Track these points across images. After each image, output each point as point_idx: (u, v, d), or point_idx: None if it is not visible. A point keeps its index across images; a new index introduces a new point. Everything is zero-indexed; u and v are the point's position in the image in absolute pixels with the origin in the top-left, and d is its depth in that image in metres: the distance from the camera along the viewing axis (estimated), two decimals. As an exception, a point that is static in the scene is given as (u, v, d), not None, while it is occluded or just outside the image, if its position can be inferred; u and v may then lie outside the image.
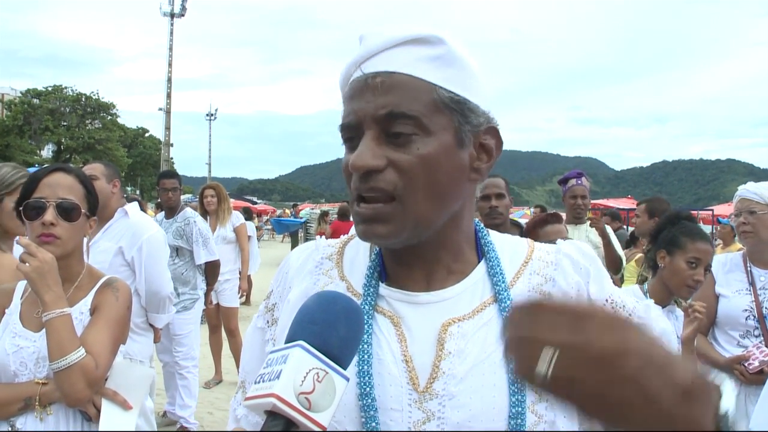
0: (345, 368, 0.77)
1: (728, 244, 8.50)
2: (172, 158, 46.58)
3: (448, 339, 0.95)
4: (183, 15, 44.70)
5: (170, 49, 43.65)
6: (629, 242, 6.40)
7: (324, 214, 16.60)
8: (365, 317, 0.97)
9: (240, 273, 6.77)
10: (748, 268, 3.15)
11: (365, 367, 0.93)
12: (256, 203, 39.12)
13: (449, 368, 0.93)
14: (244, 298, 9.96)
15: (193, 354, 5.25)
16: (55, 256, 1.93)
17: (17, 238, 1.95)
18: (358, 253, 1.10)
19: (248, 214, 12.67)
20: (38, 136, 46.35)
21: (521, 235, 1.40)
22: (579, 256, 1.06)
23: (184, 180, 5.73)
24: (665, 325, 1.02)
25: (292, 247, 20.56)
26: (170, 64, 43.58)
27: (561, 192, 5.08)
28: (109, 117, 52.22)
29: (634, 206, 9.06)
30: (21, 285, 2.13)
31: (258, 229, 16.67)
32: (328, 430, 0.73)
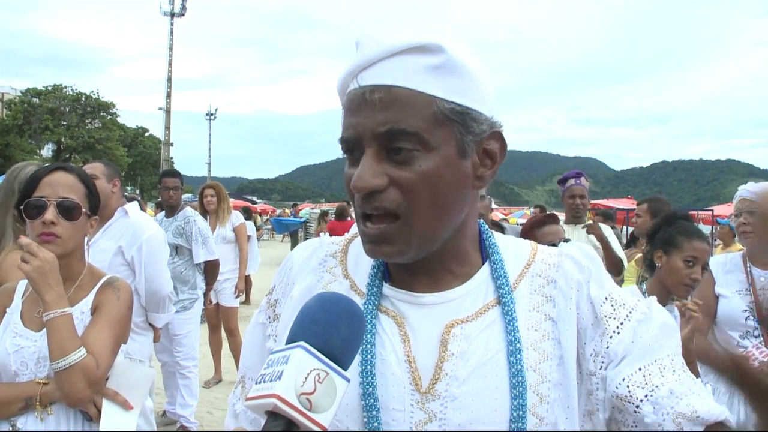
0: (346, 369, 0.77)
1: (728, 245, 8.50)
2: (172, 158, 46.53)
3: (451, 340, 0.95)
4: (183, 15, 44.67)
5: (170, 48, 43.62)
6: (629, 242, 6.40)
7: (324, 214, 16.59)
8: (369, 317, 0.98)
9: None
10: (748, 269, 3.15)
11: (368, 366, 0.93)
12: (255, 203, 39.09)
13: (452, 370, 0.93)
14: (244, 297, 9.96)
15: (193, 354, 5.26)
16: (55, 255, 1.93)
17: (20, 237, 1.94)
18: (363, 251, 1.09)
19: (248, 213, 12.66)
20: (38, 135, 46.32)
21: None
22: (581, 256, 1.06)
23: (184, 179, 5.74)
24: (666, 318, 1.02)
25: (292, 246, 20.56)
26: (170, 64, 43.55)
27: (560, 192, 5.09)
28: (109, 116, 52.19)
29: (634, 206, 9.05)
30: (22, 284, 2.13)
31: (258, 228, 16.67)
32: (329, 430, 0.73)
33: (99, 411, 2.02)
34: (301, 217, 24.68)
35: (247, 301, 11.13)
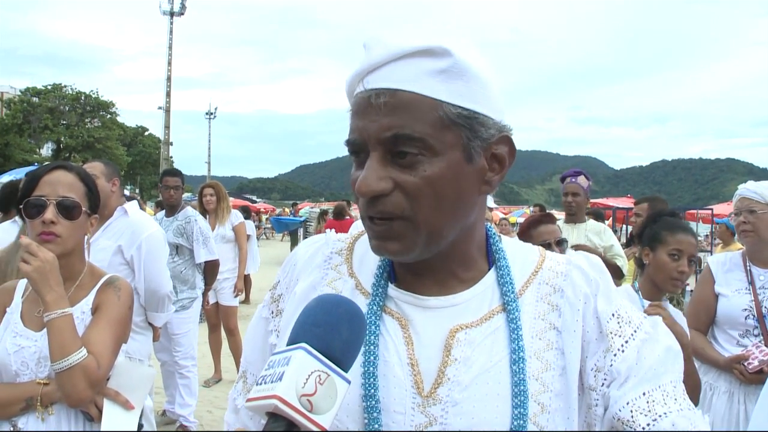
0: (347, 371, 0.77)
1: (728, 244, 8.50)
2: (171, 157, 46.53)
3: (455, 345, 0.95)
4: (183, 14, 44.61)
5: (170, 48, 43.57)
6: (629, 241, 6.41)
7: (323, 213, 16.59)
8: (373, 317, 0.97)
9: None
10: (748, 268, 3.15)
11: (370, 368, 0.93)
12: (255, 202, 39.10)
13: (454, 375, 0.93)
14: (243, 296, 9.96)
15: (192, 353, 5.26)
16: (55, 254, 1.93)
17: (20, 237, 1.94)
18: (369, 250, 1.08)
19: (246, 212, 12.66)
20: (38, 134, 46.26)
21: None
22: (589, 268, 1.05)
23: (184, 179, 5.74)
24: (671, 342, 1.01)
25: (292, 246, 20.55)
26: (170, 63, 43.51)
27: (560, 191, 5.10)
28: (109, 116, 52.11)
29: (634, 205, 9.06)
30: (22, 283, 2.13)
31: (258, 228, 16.65)
32: (329, 430, 0.73)
33: (100, 411, 2.02)
34: (300, 216, 24.68)
35: (246, 301, 11.14)
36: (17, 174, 11.23)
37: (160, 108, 44.07)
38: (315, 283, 1.07)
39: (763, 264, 3.13)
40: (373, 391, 0.92)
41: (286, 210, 37.73)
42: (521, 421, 0.90)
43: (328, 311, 0.81)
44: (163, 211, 5.75)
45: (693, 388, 2.44)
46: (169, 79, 43.73)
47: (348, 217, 11.74)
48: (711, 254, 9.20)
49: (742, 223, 3.14)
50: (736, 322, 3.07)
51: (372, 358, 0.94)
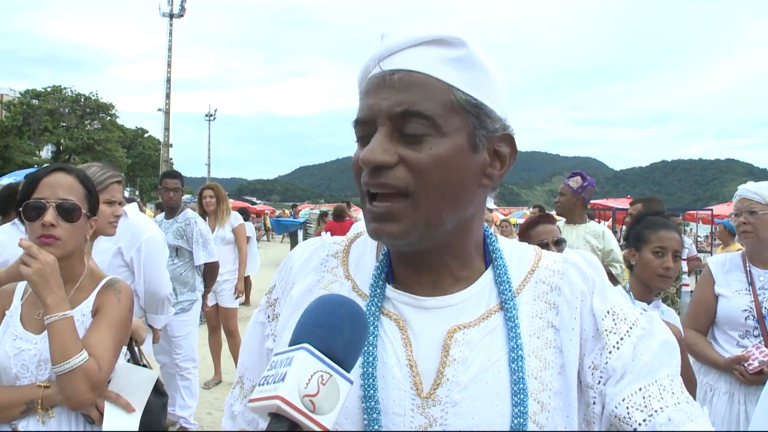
0: (349, 371, 0.77)
1: (728, 245, 8.51)
2: (171, 159, 46.51)
3: (453, 345, 0.95)
4: (182, 15, 44.61)
5: (169, 49, 43.57)
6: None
7: (323, 215, 16.58)
8: (371, 319, 0.97)
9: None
10: (748, 268, 3.15)
11: (369, 369, 0.93)
12: (255, 204, 39.08)
13: (453, 375, 0.93)
14: (243, 298, 9.96)
15: (192, 355, 5.25)
16: (55, 257, 1.92)
17: (20, 239, 1.93)
18: (365, 252, 1.10)
19: (245, 214, 12.66)
20: (37, 136, 46.24)
21: None
22: (586, 266, 1.05)
23: (184, 181, 5.74)
24: (668, 336, 1.01)
25: (292, 247, 20.53)
26: (169, 65, 43.50)
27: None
28: (109, 118, 52.09)
29: (633, 206, 9.07)
30: (21, 286, 2.12)
31: (257, 229, 16.64)
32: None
33: (101, 414, 2.02)
34: (300, 218, 24.67)
35: (246, 302, 11.13)
36: (17, 176, 11.22)
37: (159, 110, 44.05)
38: (311, 287, 1.06)
39: (763, 265, 3.13)
40: (372, 392, 0.92)
41: (286, 212, 37.73)
42: (521, 420, 0.90)
43: (330, 312, 0.81)
44: (163, 213, 5.75)
45: (687, 384, 2.45)
46: (168, 80, 43.72)
47: (348, 218, 11.73)
48: (711, 255, 9.21)
49: (742, 224, 3.14)
50: (736, 323, 3.07)
51: (371, 359, 0.94)
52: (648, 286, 2.74)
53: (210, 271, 5.62)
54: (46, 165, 2.36)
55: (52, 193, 2.01)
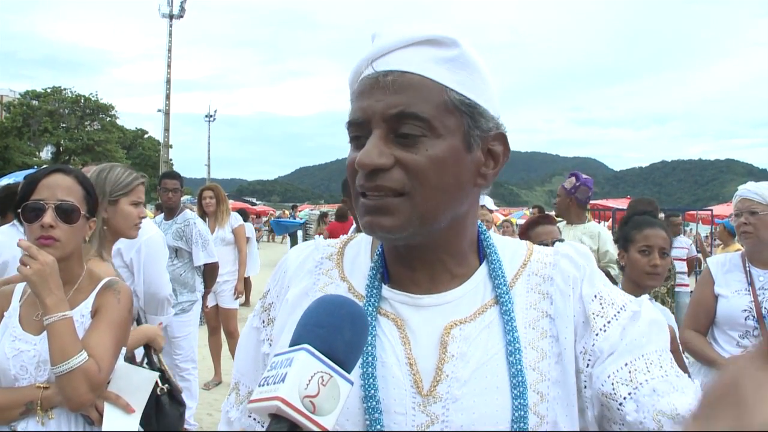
0: (349, 372, 0.77)
1: (728, 245, 8.51)
2: (171, 159, 46.51)
3: (451, 342, 0.95)
4: (182, 16, 44.61)
5: (169, 50, 43.57)
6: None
7: (323, 215, 16.60)
8: (369, 319, 0.97)
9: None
10: (747, 269, 3.15)
11: (369, 369, 0.93)
12: (255, 204, 39.10)
13: (452, 371, 0.93)
14: (243, 299, 9.95)
15: (192, 356, 5.25)
16: (54, 258, 1.92)
17: (18, 240, 1.93)
18: (359, 253, 1.10)
19: (244, 215, 12.66)
20: (37, 137, 46.25)
21: None
22: (576, 254, 1.06)
23: (183, 181, 5.75)
24: (656, 316, 1.01)
25: (291, 247, 20.48)
26: (169, 66, 43.51)
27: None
28: (108, 118, 52.09)
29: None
30: (19, 287, 2.12)
31: (257, 230, 16.64)
32: None
33: (101, 415, 2.02)
34: (300, 219, 24.68)
35: (246, 303, 11.13)
36: (17, 177, 11.21)
37: (159, 110, 44.06)
38: (307, 290, 1.06)
39: (763, 265, 3.13)
40: (373, 392, 0.92)
41: (286, 212, 37.76)
42: (522, 412, 0.90)
43: (330, 312, 0.80)
44: (163, 214, 5.75)
45: None
46: (168, 81, 43.72)
47: (350, 218, 11.73)
48: (711, 255, 9.22)
49: (743, 225, 3.14)
50: (735, 323, 3.07)
51: (370, 359, 0.94)
52: (639, 285, 2.75)
53: (210, 272, 5.62)
54: (45, 166, 2.35)
55: (51, 195, 2.01)
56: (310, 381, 0.72)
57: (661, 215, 10.13)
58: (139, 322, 2.84)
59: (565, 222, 4.90)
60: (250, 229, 8.16)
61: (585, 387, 0.96)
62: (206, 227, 5.64)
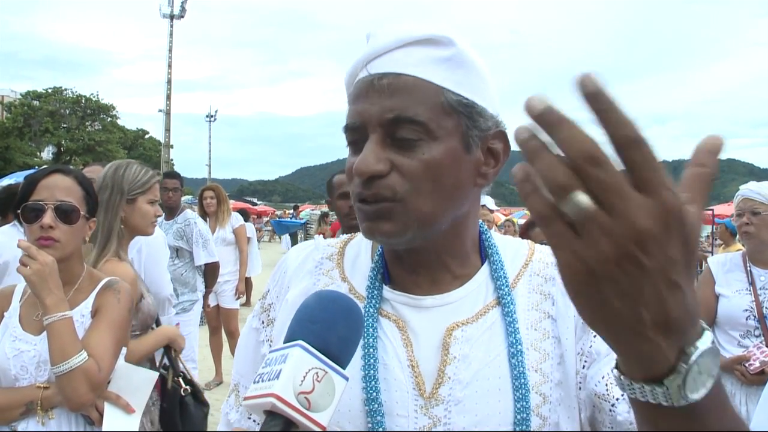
0: (344, 368, 0.77)
1: (729, 245, 8.49)
2: (172, 160, 46.56)
3: (453, 343, 0.94)
4: (183, 17, 44.66)
5: (170, 50, 43.63)
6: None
7: (324, 215, 16.58)
8: (370, 320, 0.96)
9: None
10: (748, 268, 3.14)
11: (371, 371, 0.92)
12: (256, 204, 39.11)
13: (454, 373, 0.93)
14: (245, 299, 9.95)
15: (192, 356, 5.24)
16: (54, 258, 1.92)
17: (17, 240, 1.93)
18: (360, 254, 1.09)
19: (245, 215, 12.66)
20: (38, 138, 46.30)
21: None
22: None
23: (184, 181, 5.76)
24: None
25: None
26: (170, 66, 43.57)
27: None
28: (109, 119, 52.12)
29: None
30: (20, 287, 2.12)
31: (258, 230, 16.63)
32: (330, 431, 0.73)
33: (101, 415, 2.02)
34: (301, 219, 24.67)
35: (247, 303, 11.12)
36: (18, 177, 11.22)
37: (160, 111, 44.13)
38: (307, 290, 1.05)
39: (764, 265, 3.12)
40: (375, 394, 0.91)
41: (287, 212, 37.77)
42: (524, 414, 0.90)
43: (324, 308, 0.80)
44: (163, 214, 5.76)
45: None
46: (169, 81, 43.77)
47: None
48: (712, 255, 9.20)
49: (745, 225, 3.13)
50: (736, 323, 3.06)
51: (372, 361, 0.93)
52: None
53: (211, 272, 5.63)
54: (44, 166, 2.34)
55: (51, 195, 2.01)
56: (304, 377, 0.72)
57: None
58: (158, 324, 2.81)
59: None
60: (250, 229, 8.16)
61: (580, 388, 0.96)
62: (207, 227, 5.64)
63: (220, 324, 6.60)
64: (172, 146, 45.80)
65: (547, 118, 0.49)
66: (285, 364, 0.73)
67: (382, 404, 0.91)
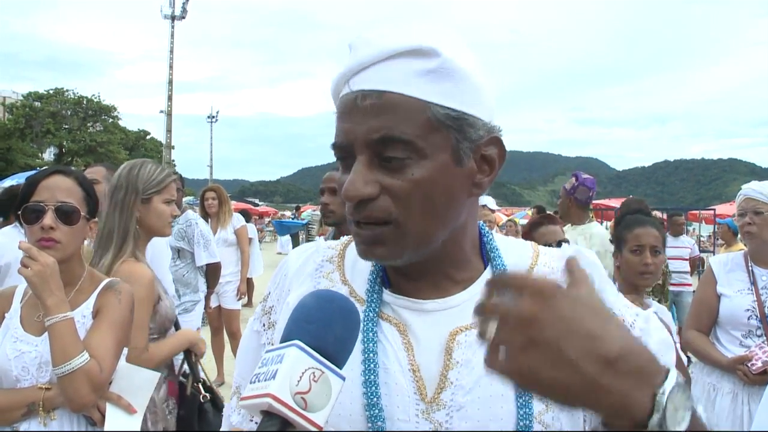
0: (341, 368, 0.76)
1: (731, 245, 8.49)
2: (173, 160, 46.61)
3: (456, 348, 0.93)
4: (184, 17, 44.73)
5: (171, 51, 43.71)
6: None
7: (325, 216, 16.58)
8: (370, 324, 0.95)
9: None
10: (750, 268, 3.14)
11: (372, 376, 0.91)
12: (257, 205, 39.13)
13: (457, 378, 0.92)
14: (246, 300, 9.96)
15: (194, 356, 5.26)
16: (55, 259, 1.92)
17: (19, 242, 1.93)
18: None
19: (247, 216, 12.67)
20: (40, 139, 46.38)
21: None
22: (583, 262, 1.04)
23: (185, 182, 5.75)
24: (664, 336, 1.00)
25: (293, 248, 20.46)
26: (171, 67, 43.64)
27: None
28: (111, 120, 52.17)
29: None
30: (20, 288, 2.12)
31: (260, 230, 16.62)
32: (325, 430, 0.73)
33: (102, 415, 2.02)
34: (303, 219, 24.65)
35: (249, 304, 11.12)
36: (19, 178, 11.25)
37: (161, 111, 44.19)
38: (308, 293, 1.05)
39: (766, 264, 3.11)
40: (375, 399, 0.90)
41: (287, 213, 37.79)
42: (527, 421, 0.89)
43: (320, 307, 0.80)
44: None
45: None
46: (170, 82, 43.83)
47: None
48: (714, 255, 9.20)
49: (747, 224, 3.12)
50: (738, 323, 3.06)
51: (372, 365, 0.92)
52: (633, 286, 2.75)
53: (212, 272, 5.63)
54: (44, 167, 2.34)
55: (51, 196, 2.01)
56: (301, 377, 0.72)
57: (663, 215, 10.10)
58: (177, 327, 2.77)
59: (571, 222, 4.87)
60: (252, 230, 8.16)
61: None
62: (208, 227, 5.64)
63: (222, 325, 6.60)
64: (173, 147, 45.88)
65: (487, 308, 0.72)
66: (281, 364, 0.73)
67: (382, 409, 0.90)
